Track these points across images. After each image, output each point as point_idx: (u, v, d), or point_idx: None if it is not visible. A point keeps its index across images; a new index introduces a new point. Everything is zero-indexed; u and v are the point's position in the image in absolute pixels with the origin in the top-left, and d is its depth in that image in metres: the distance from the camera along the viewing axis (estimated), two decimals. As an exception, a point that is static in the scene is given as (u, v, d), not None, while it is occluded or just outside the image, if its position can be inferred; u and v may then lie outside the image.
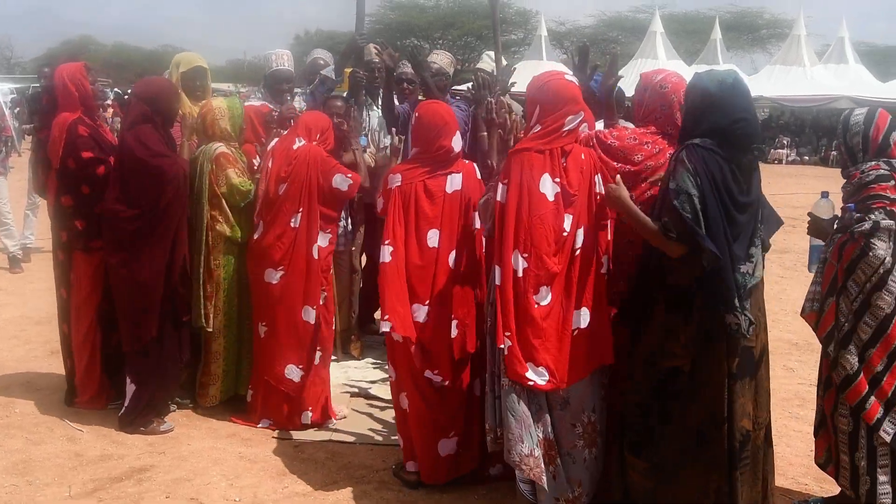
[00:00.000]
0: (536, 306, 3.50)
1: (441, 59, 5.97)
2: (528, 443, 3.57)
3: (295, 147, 4.83)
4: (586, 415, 3.62)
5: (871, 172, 3.66)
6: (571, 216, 3.52)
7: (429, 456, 4.14)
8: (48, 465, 4.36)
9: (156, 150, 4.66)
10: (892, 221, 3.56)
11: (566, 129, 3.56)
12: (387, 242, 4.07)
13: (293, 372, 4.82)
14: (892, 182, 3.64)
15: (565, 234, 3.50)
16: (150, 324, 4.69)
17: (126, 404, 4.79)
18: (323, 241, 4.84)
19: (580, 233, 3.53)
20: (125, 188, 4.69)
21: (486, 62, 6.02)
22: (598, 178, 3.60)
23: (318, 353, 4.89)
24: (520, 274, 3.50)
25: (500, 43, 6.04)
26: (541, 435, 3.59)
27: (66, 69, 4.98)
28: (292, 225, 4.75)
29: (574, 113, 3.57)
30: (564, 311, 3.52)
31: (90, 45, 49.63)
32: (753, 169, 3.39)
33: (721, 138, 3.31)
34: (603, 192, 3.59)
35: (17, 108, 10.87)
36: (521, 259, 3.50)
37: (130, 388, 4.77)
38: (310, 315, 4.80)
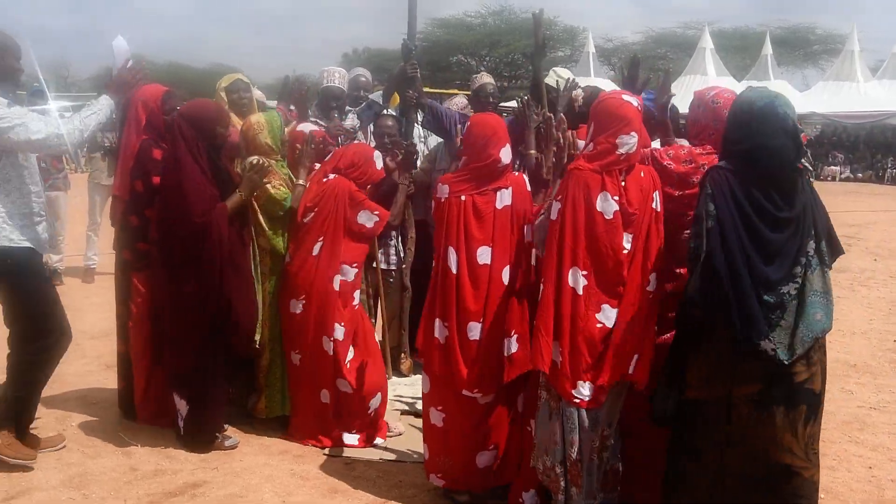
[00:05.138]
0: (599, 325, 3.47)
1: (486, 79, 6.03)
2: (551, 457, 3.60)
3: (325, 179, 4.88)
4: (603, 426, 3.60)
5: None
6: (632, 235, 3.48)
7: (466, 467, 4.13)
8: (104, 478, 4.42)
9: (193, 209, 4.58)
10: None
11: (620, 151, 3.49)
12: (435, 259, 4.14)
13: (325, 396, 4.87)
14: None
15: (626, 251, 3.47)
16: (188, 351, 4.72)
17: (183, 425, 4.81)
18: (349, 274, 4.86)
19: (636, 250, 3.50)
20: (167, 226, 4.71)
21: (553, 78, 5.92)
22: (655, 195, 3.56)
23: (346, 382, 4.87)
24: (579, 292, 3.46)
25: (540, 64, 5.94)
26: (574, 455, 3.57)
27: (143, 93, 4.96)
28: (313, 254, 4.80)
29: (625, 133, 3.50)
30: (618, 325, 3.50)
31: (143, 64, 50.44)
32: (794, 184, 3.26)
33: (743, 161, 3.24)
34: (660, 210, 3.55)
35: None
36: (580, 276, 3.46)
37: (183, 408, 4.79)
38: (328, 346, 4.82)
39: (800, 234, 3.23)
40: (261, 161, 4.84)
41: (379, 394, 4.97)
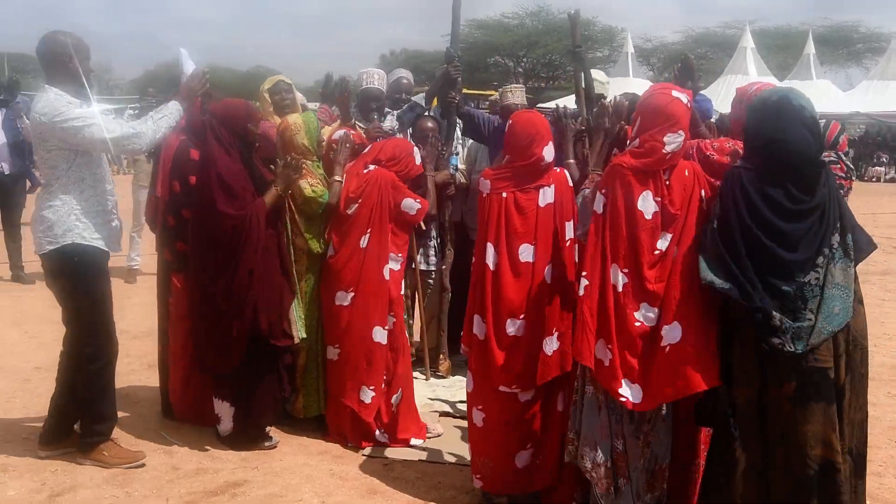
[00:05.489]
0: (637, 323, 3.44)
1: (518, 97, 6.00)
2: (601, 452, 3.56)
3: (365, 171, 4.91)
4: (647, 426, 3.58)
5: (825, 159, 4.48)
6: (671, 235, 3.44)
7: (504, 467, 4.11)
8: (146, 477, 4.47)
9: (231, 203, 4.60)
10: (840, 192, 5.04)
11: (666, 150, 3.44)
12: (475, 255, 4.15)
13: (366, 394, 4.85)
14: (839, 164, 6.03)
15: (657, 252, 3.44)
16: (231, 351, 4.72)
17: (231, 426, 4.84)
18: (394, 264, 4.89)
19: (678, 249, 3.45)
20: (202, 223, 4.75)
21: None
22: (702, 193, 3.51)
23: (389, 378, 4.90)
24: (619, 289, 3.44)
25: (582, 66, 5.83)
26: (620, 447, 3.55)
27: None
28: (361, 246, 4.81)
29: (672, 132, 3.44)
30: (658, 328, 3.45)
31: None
32: (816, 177, 3.24)
33: (763, 160, 3.24)
34: (705, 207, 3.50)
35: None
36: (620, 274, 3.44)
37: (225, 410, 4.83)
38: (381, 336, 4.84)
39: (823, 224, 3.21)
40: (294, 157, 4.87)
41: (401, 389, 4.98)
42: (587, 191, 3.72)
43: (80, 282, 4.43)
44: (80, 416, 4.63)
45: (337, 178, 4.95)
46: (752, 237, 3.18)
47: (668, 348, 3.41)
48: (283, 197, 4.84)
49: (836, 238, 3.21)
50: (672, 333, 3.41)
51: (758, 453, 3.29)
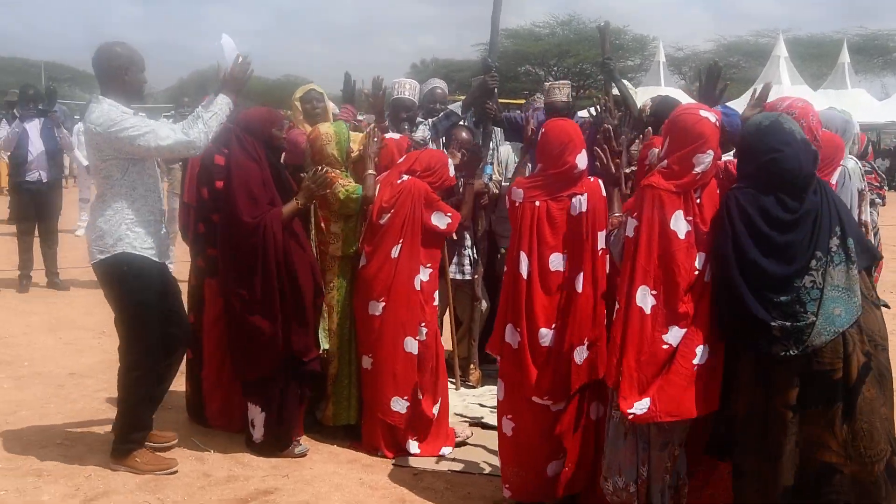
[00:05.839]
0: (665, 346, 3.43)
1: (564, 91, 5.96)
2: (625, 476, 3.55)
3: (399, 181, 4.91)
4: (674, 447, 3.56)
5: (863, 169, 5.16)
6: (704, 254, 3.43)
7: (534, 476, 4.09)
8: (178, 483, 4.50)
9: (244, 210, 4.62)
10: (880, 200, 5.97)
11: (696, 170, 3.44)
12: (507, 263, 4.15)
13: (398, 404, 4.84)
14: (873, 174, 6.04)
15: (697, 272, 3.43)
16: (258, 358, 4.74)
17: (263, 431, 4.85)
18: (424, 275, 4.89)
19: (709, 268, 3.44)
20: (224, 229, 4.78)
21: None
22: None
23: (421, 387, 4.89)
24: (647, 311, 3.44)
25: (611, 77, 5.83)
26: (645, 474, 3.53)
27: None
28: (393, 256, 4.81)
29: (702, 152, 3.44)
30: (688, 347, 3.43)
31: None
32: (807, 185, 3.28)
33: (758, 179, 3.29)
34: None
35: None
36: (649, 296, 3.43)
37: (257, 414, 4.84)
38: (412, 346, 4.83)
39: (817, 228, 3.23)
40: (320, 171, 4.85)
41: (440, 399, 4.99)
42: (617, 231, 3.75)
43: (127, 291, 4.46)
44: (118, 421, 4.67)
45: (370, 171, 4.95)
46: (746, 255, 3.23)
47: (697, 367, 3.41)
48: (302, 210, 4.83)
49: (834, 241, 3.24)
50: (703, 353, 3.42)
51: (761, 459, 3.29)
